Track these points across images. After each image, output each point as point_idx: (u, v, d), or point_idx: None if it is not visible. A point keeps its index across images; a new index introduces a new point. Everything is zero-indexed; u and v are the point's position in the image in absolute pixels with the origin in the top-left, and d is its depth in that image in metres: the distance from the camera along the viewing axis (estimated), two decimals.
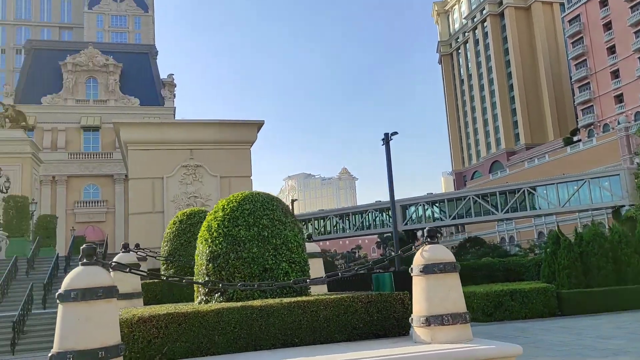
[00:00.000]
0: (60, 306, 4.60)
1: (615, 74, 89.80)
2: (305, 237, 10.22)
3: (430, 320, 5.33)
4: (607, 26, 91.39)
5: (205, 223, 7.23)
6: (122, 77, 67.02)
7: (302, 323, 5.80)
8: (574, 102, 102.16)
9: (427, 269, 5.43)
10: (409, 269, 5.67)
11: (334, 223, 73.60)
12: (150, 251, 12.97)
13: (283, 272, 6.85)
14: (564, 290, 19.59)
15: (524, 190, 64.64)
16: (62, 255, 30.57)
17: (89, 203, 62.24)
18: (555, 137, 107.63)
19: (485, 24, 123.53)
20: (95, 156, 63.21)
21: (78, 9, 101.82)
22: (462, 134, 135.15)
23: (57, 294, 4.64)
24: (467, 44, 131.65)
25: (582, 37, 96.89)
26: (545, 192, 64.69)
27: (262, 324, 5.69)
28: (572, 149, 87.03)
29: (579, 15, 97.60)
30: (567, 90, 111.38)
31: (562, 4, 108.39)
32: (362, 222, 72.14)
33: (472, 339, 5.43)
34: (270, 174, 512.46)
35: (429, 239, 5.62)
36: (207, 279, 6.82)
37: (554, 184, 63.74)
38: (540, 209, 65.68)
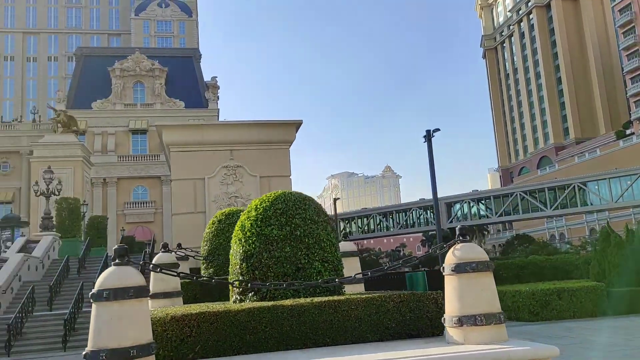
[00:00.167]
0: (94, 305, 4.72)
1: None
2: (342, 236, 10.21)
3: (462, 321, 5.21)
4: None
5: (239, 223, 7.30)
6: (167, 80, 68.61)
7: (333, 323, 5.77)
8: (626, 94, 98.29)
9: (459, 268, 5.31)
10: (441, 267, 5.57)
11: (378, 221, 73.23)
12: (192, 251, 13.20)
13: (316, 272, 6.84)
14: (614, 289, 18.88)
15: (574, 186, 62.64)
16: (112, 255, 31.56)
17: (138, 204, 64.07)
18: (607, 130, 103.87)
19: (531, 16, 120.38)
20: (143, 158, 65.02)
21: (125, 16, 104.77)
22: (509, 129, 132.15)
23: (90, 293, 4.77)
24: (512, 38, 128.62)
25: (633, 27, 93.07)
26: (596, 187, 62.51)
27: (293, 323, 5.69)
28: (625, 143, 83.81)
29: (629, 4, 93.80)
30: (619, 82, 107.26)
31: None
32: (406, 220, 71.50)
33: (507, 339, 5.28)
34: (313, 173, 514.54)
35: (461, 237, 5.50)
36: (241, 278, 6.88)
37: (606, 179, 61.49)
38: (591, 205, 63.53)
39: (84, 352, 4.67)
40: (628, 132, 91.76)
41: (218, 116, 67.09)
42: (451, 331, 5.35)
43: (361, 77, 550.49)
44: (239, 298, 6.99)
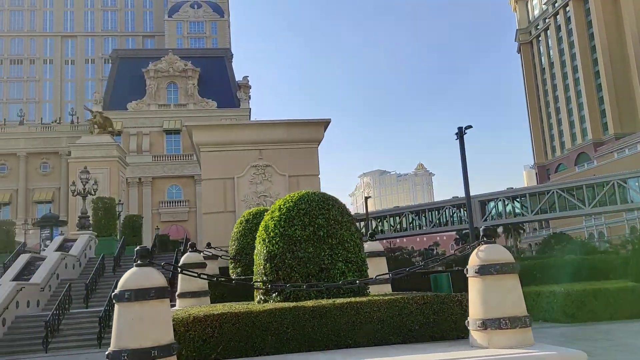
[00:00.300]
0: (116, 306, 4.79)
1: None
2: (368, 236, 10.13)
3: (486, 324, 5.10)
4: None
5: (262, 223, 7.31)
6: (200, 81, 69.50)
7: (355, 324, 5.73)
8: None
9: (483, 270, 5.20)
10: (465, 269, 5.46)
11: (410, 220, 72.65)
12: (221, 250, 13.30)
13: (340, 272, 6.80)
14: None
15: (613, 183, 60.92)
16: None
17: (172, 203, 65.14)
18: None
19: (567, 8, 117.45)
20: (177, 158, 66.04)
21: (159, 18, 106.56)
22: (545, 126, 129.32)
23: (112, 294, 4.84)
24: (548, 31, 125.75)
25: None
26: (637, 184, 60.65)
27: (314, 324, 5.66)
28: None
29: None
30: None
31: None
32: (439, 219, 70.72)
33: (533, 343, 5.14)
34: (345, 172, 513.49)
35: (485, 238, 5.38)
36: (264, 278, 6.89)
37: None
38: (632, 202, 61.65)
39: (106, 352, 4.74)
40: None
41: (250, 115, 67.64)
42: (475, 334, 5.24)
43: (393, 73, 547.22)
44: (262, 298, 7.01)
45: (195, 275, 5.50)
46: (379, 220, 75.83)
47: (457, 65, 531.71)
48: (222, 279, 5.68)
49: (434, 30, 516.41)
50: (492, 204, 68.92)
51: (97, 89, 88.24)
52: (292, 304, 5.81)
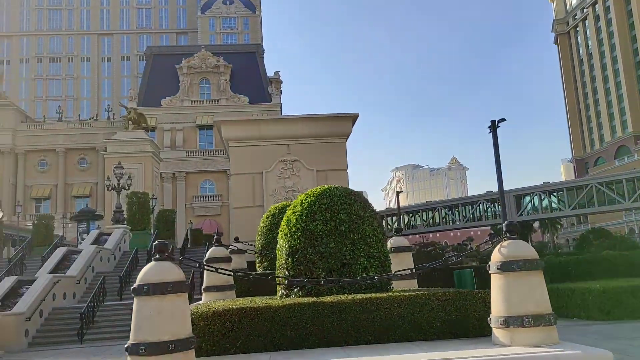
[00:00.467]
0: (135, 300, 4.83)
1: None
2: (394, 231, 10.02)
3: (508, 322, 4.97)
4: None
5: (285, 217, 7.30)
6: (232, 76, 70.03)
7: (375, 320, 5.66)
8: None
9: (505, 266, 5.07)
10: (487, 265, 5.33)
11: (443, 215, 71.75)
12: (249, 244, 13.37)
13: (362, 267, 6.74)
14: None
15: None
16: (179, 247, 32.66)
17: (206, 197, 65.93)
18: None
19: None
20: (210, 153, 66.77)
21: (192, 15, 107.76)
22: (583, 118, 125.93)
23: (131, 288, 4.88)
24: (587, 21, 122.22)
25: None
26: None
27: (334, 320, 5.62)
28: None
29: None
30: None
31: None
32: (473, 214, 69.63)
33: (558, 342, 5.00)
34: (378, 166, 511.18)
35: (508, 234, 5.24)
36: (286, 273, 6.88)
37: None
38: None
39: (125, 345, 4.80)
40: None
41: (281, 110, 67.87)
42: (497, 332, 5.12)
43: (426, 66, 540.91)
44: (284, 293, 7.00)
45: (213, 270, 5.51)
46: (411, 215, 75.20)
47: (491, 58, 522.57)
48: (241, 274, 5.68)
49: (467, 22, 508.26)
50: (527, 198, 67.50)
51: (132, 86, 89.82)
52: (311, 299, 5.78)
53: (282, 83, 70.28)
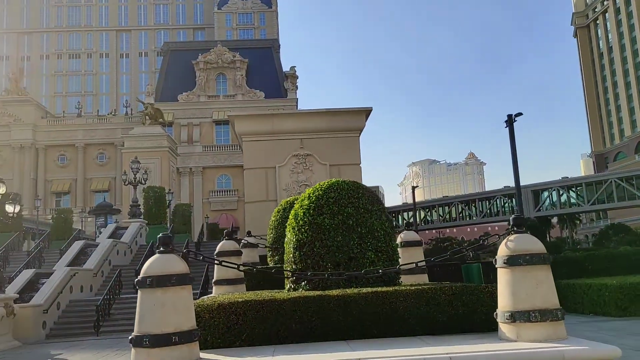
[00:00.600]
0: (139, 292, 4.86)
1: None
2: (404, 225, 9.96)
3: (515, 316, 4.91)
4: None
5: (292, 211, 7.29)
6: (248, 71, 70.17)
7: (380, 314, 5.63)
8: None
9: (512, 261, 5.00)
10: (493, 260, 5.26)
11: (459, 210, 71.31)
12: (262, 238, 13.39)
13: (369, 261, 6.70)
14: None
15: None
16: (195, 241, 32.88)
17: (222, 192, 66.29)
18: None
19: None
20: (226, 148, 67.06)
21: (209, 10, 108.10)
22: (603, 112, 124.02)
23: (135, 280, 4.91)
24: (607, 14, 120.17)
25: None
26: None
27: (339, 313, 5.60)
28: None
29: None
30: None
31: None
32: (490, 209, 69.10)
33: (566, 337, 4.92)
34: (394, 161, 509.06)
35: (514, 228, 5.16)
36: (294, 267, 6.88)
37: None
38: None
39: (129, 337, 4.83)
40: None
41: (297, 105, 67.88)
42: (503, 327, 5.05)
43: (443, 60, 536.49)
44: (292, 286, 7.00)
45: (218, 262, 5.52)
46: (427, 210, 74.87)
47: (510, 51, 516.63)
48: (246, 268, 5.68)
49: (484, 16, 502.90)
50: (545, 193, 66.77)
51: (150, 81, 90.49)
52: (317, 293, 5.77)
53: (297, 78, 70.27)
